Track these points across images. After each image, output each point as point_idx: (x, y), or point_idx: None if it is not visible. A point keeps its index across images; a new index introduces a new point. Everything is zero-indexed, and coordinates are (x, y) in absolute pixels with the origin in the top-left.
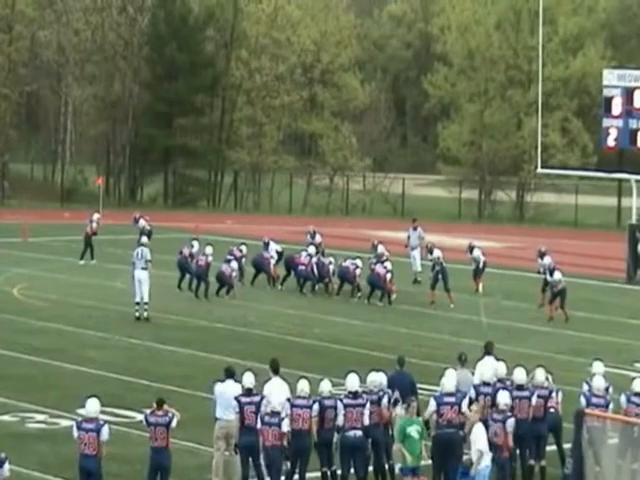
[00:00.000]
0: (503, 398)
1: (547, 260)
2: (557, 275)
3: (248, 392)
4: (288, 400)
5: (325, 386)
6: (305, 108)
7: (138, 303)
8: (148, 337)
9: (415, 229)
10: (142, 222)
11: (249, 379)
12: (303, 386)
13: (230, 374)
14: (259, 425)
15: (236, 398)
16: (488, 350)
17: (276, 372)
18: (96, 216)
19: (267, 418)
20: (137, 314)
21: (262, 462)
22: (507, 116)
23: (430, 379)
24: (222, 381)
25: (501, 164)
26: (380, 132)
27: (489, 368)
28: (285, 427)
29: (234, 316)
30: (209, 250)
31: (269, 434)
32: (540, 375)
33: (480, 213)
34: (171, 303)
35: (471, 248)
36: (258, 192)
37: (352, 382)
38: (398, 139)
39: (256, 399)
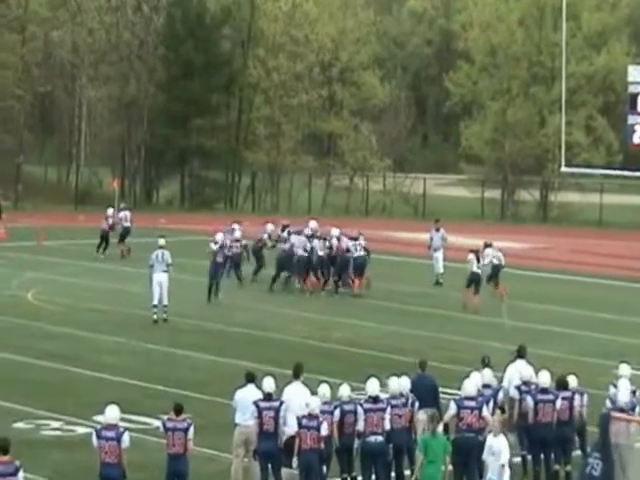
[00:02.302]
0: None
1: (492, 252)
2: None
3: (267, 397)
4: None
5: (344, 390)
6: (324, 107)
7: (156, 306)
8: (164, 342)
9: (438, 230)
10: (124, 214)
11: (269, 384)
12: (325, 391)
13: (251, 379)
14: (296, 428)
15: (255, 403)
16: (521, 354)
17: (297, 377)
18: (110, 211)
19: (305, 421)
20: (155, 317)
21: (295, 466)
22: (530, 114)
23: (452, 383)
24: (242, 386)
25: (524, 163)
26: (400, 131)
27: (517, 371)
28: (324, 430)
29: (251, 320)
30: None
31: (307, 437)
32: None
33: (503, 213)
34: (187, 307)
35: (486, 246)
36: (276, 193)
37: (372, 386)
38: (419, 138)
39: (275, 404)
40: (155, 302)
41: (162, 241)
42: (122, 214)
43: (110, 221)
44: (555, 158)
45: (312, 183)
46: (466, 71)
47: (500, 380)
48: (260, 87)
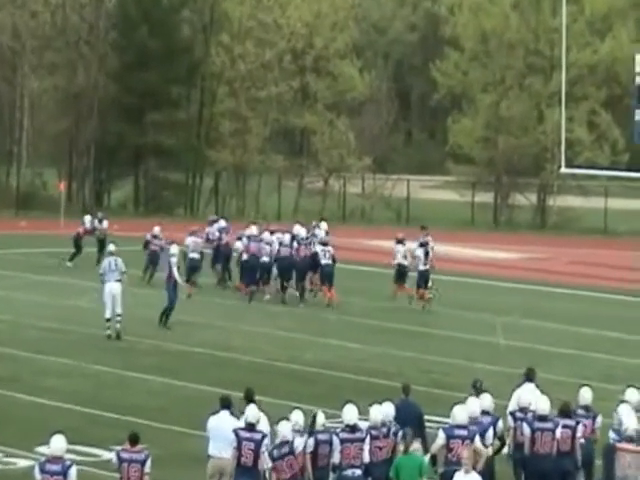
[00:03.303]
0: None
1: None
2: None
3: (250, 427)
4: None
5: (319, 418)
6: (296, 100)
7: (109, 319)
8: (117, 363)
9: (424, 238)
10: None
11: (252, 412)
12: (297, 418)
13: (226, 404)
14: (270, 464)
15: (235, 431)
16: (529, 377)
17: (250, 401)
18: (87, 218)
19: (276, 452)
20: (108, 332)
21: None
22: (526, 108)
23: (439, 409)
24: (216, 413)
25: (520, 163)
26: (381, 127)
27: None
28: (303, 448)
29: (215, 340)
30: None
31: (283, 467)
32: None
33: (496, 219)
34: (144, 325)
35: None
36: (242, 197)
37: (350, 414)
38: (402, 135)
39: (257, 437)
40: (108, 315)
41: (112, 247)
42: (104, 224)
43: (87, 226)
44: (554, 158)
45: (282, 185)
46: (455, 60)
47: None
48: (224, 77)
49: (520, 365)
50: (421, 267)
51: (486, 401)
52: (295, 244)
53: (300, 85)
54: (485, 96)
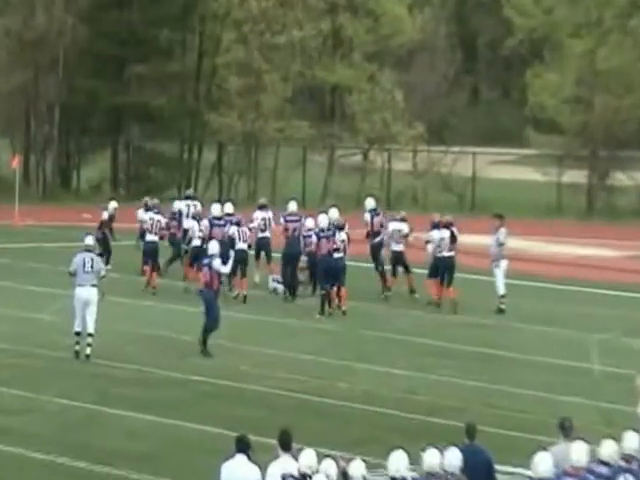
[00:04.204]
0: None
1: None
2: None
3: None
4: None
5: (357, 469)
6: (325, 48)
7: (79, 333)
8: (89, 396)
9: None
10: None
11: (308, 460)
12: (328, 469)
13: (243, 447)
14: None
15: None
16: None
17: (287, 449)
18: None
19: None
20: (77, 348)
21: None
22: (631, 58)
23: (514, 457)
24: (230, 458)
25: (622, 131)
26: (438, 84)
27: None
28: None
29: (219, 365)
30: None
31: None
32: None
33: (591, 205)
34: (125, 344)
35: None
36: (254, 175)
37: (397, 463)
38: (466, 94)
39: None
40: (77, 328)
41: (90, 240)
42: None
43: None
44: None
45: (308, 161)
46: None
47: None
48: (231, 19)
49: (621, 399)
50: (445, 253)
51: (581, 450)
52: (314, 237)
53: (331, 28)
54: (576, 42)
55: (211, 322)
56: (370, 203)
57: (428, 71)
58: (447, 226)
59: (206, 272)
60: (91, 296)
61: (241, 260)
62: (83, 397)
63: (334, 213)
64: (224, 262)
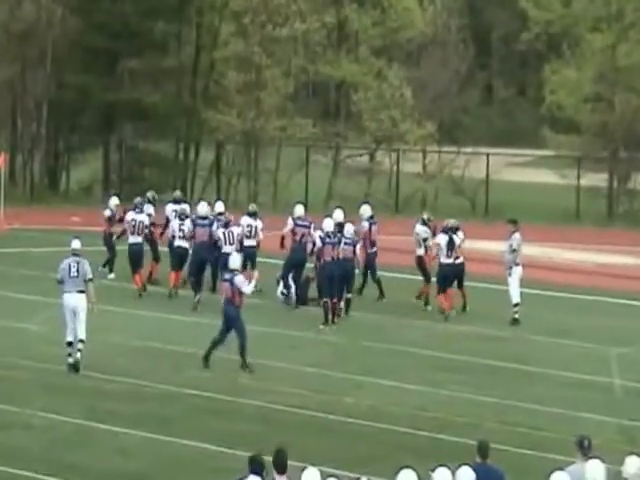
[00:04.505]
0: None
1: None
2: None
3: None
4: None
5: None
6: (330, 42)
7: (71, 343)
8: (79, 411)
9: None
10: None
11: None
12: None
13: (257, 467)
14: None
15: None
16: None
17: (282, 471)
18: (114, 202)
19: None
20: (70, 360)
21: None
22: None
23: (528, 477)
24: (243, 478)
25: None
26: (450, 81)
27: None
28: None
29: (216, 378)
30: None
31: None
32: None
33: (611, 210)
34: (115, 356)
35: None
36: (255, 177)
37: None
38: (479, 91)
39: None
40: (69, 338)
41: (77, 243)
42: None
43: (108, 212)
44: None
45: (311, 161)
46: None
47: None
48: (229, 9)
49: None
50: (443, 260)
51: (596, 469)
52: (318, 242)
53: (336, 21)
54: (596, 37)
55: (241, 338)
56: (366, 211)
57: (439, 67)
58: (446, 231)
59: (227, 287)
60: (79, 303)
61: (226, 263)
62: (72, 412)
63: (339, 215)
64: (213, 263)
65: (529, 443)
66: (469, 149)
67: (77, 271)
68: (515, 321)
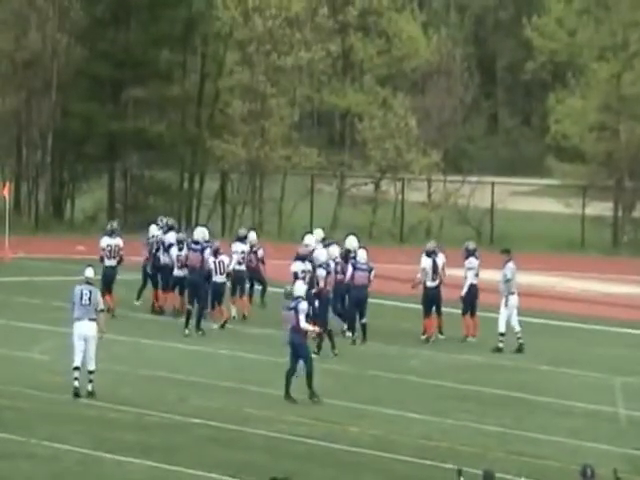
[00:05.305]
0: None
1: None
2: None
3: None
4: None
5: None
6: (335, 71)
7: (78, 368)
8: (83, 440)
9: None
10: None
11: None
12: None
13: None
14: None
15: None
16: None
17: None
18: (154, 229)
19: None
20: (76, 384)
21: None
22: None
23: None
24: None
25: None
26: (455, 110)
27: None
28: None
29: (222, 407)
30: None
31: None
32: None
33: (616, 239)
34: (121, 384)
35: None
36: (259, 206)
37: None
38: (484, 121)
39: None
40: (77, 363)
41: (90, 272)
42: (114, 240)
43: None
44: None
45: (316, 191)
46: (558, 14)
47: None
48: (234, 38)
49: None
50: (429, 283)
51: None
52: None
53: (341, 50)
54: (601, 66)
55: (308, 366)
56: (353, 242)
57: (444, 96)
58: (429, 254)
59: (292, 316)
60: (89, 331)
61: (217, 293)
62: (76, 441)
63: (353, 241)
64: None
65: (535, 472)
66: (474, 178)
67: (89, 299)
68: (520, 350)
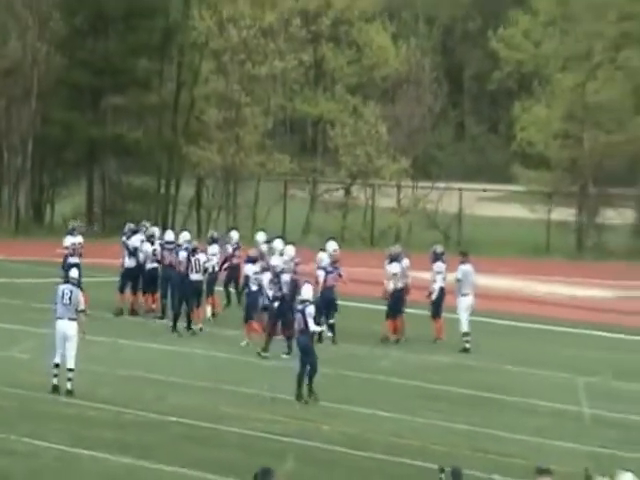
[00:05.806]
0: None
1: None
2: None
3: None
4: None
5: None
6: (307, 80)
7: (58, 365)
8: (62, 437)
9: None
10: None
11: None
12: None
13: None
14: None
15: None
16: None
17: None
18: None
19: None
20: (55, 381)
21: None
22: (621, 92)
23: None
24: None
25: (612, 167)
26: (424, 117)
27: None
28: None
29: (198, 405)
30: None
31: None
32: None
33: (580, 244)
34: (100, 384)
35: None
36: (234, 211)
37: None
38: (451, 128)
39: None
40: (57, 360)
41: (75, 273)
42: (74, 240)
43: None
44: None
45: (289, 196)
46: (524, 26)
47: None
48: (210, 48)
49: (612, 443)
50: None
51: None
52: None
53: (313, 59)
54: (565, 76)
55: (313, 367)
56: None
57: (413, 104)
58: (395, 259)
59: (300, 318)
60: (69, 330)
61: (195, 291)
62: (55, 438)
63: (333, 245)
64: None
65: (502, 469)
66: (442, 184)
67: (69, 299)
68: (465, 350)
